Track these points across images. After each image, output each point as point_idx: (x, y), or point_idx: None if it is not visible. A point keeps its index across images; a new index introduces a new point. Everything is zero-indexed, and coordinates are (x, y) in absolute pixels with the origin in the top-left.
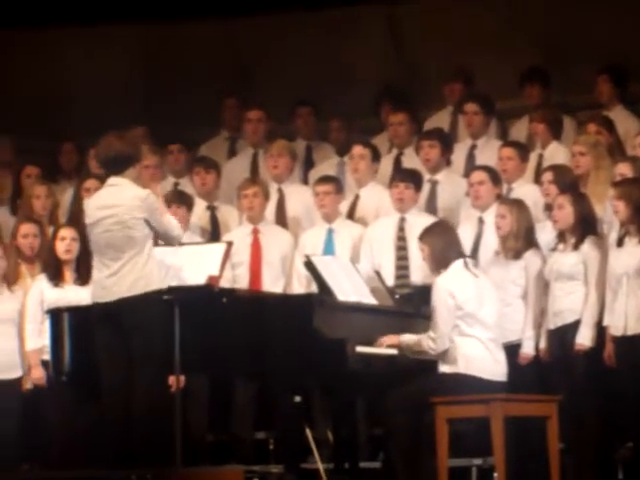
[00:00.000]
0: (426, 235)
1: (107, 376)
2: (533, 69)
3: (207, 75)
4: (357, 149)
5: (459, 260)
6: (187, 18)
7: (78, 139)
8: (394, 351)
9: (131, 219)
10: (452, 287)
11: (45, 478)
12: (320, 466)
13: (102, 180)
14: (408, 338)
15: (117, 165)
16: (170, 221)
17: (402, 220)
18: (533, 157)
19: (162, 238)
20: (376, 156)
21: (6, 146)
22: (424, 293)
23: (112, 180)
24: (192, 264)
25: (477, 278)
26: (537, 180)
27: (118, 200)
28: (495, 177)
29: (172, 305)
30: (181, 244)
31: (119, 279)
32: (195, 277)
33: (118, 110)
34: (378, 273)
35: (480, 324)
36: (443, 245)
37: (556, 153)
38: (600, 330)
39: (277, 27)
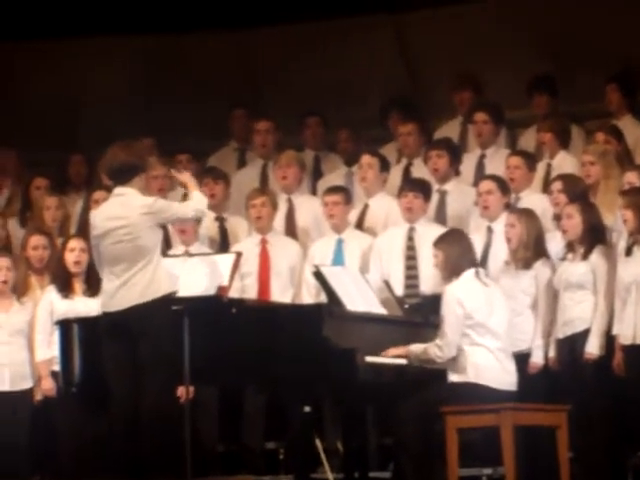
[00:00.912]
0: (441, 242)
1: (115, 385)
2: (541, 78)
3: (215, 86)
4: (365, 158)
5: (471, 269)
6: (195, 29)
7: (87, 151)
8: (403, 361)
9: (141, 229)
10: (462, 296)
11: None
12: (330, 476)
13: (111, 191)
14: (415, 347)
15: (122, 175)
16: (179, 209)
17: (411, 230)
18: (541, 167)
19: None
20: (384, 166)
21: (13, 159)
22: (433, 303)
23: (118, 190)
24: (201, 274)
25: (487, 287)
26: (545, 190)
27: (127, 211)
28: (504, 186)
29: (182, 315)
30: (190, 255)
31: (129, 288)
32: (204, 287)
33: (126, 121)
34: (387, 283)
35: (490, 334)
36: (458, 253)
37: (564, 162)
38: (609, 339)
39: (285, 38)
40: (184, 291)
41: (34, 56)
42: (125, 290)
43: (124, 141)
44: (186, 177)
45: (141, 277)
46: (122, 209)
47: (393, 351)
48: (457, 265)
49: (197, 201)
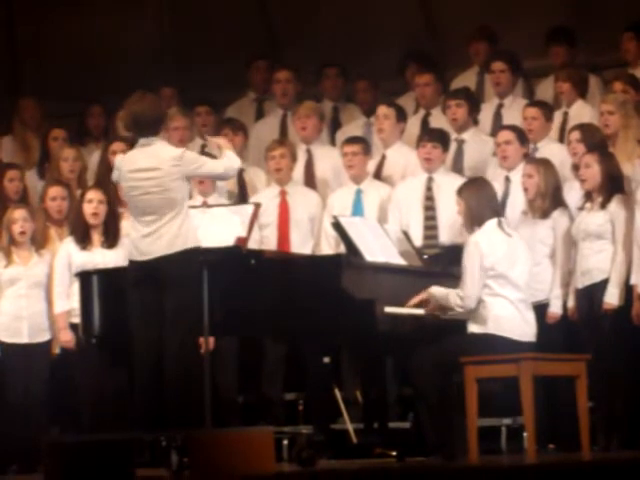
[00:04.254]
0: (464, 190)
1: (139, 334)
2: (559, 28)
3: (234, 37)
4: (381, 109)
5: (493, 219)
6: None
7: (106, 102)
8: (422, 311)
9: (171, 181)
10: (484, 247)
11: (75, 442)
12: (349, 426)
13: (129, 143)
14: (437, 290)
15: (146, 127)
16: (209, 163)
17: (430, 180)
18: (558, 115)
19: (219, 180)
20: (401, 116)
21: (33, 109)
22: (452, 253)
23: (144, 140)
24: (220, 225)
25: (510, 238)
26: (561, 138)
27: (156, 162)
28: (522, 137)
29: (201, 266)
30: (209, 206)
31: (156, 239)
32: (223, 238)
33: (147, 72)
34: (406, 233)
35: (511, 285)
36: (479, 202)
37: (581, 111)
38: (628, 289)
39: None
40: (203, 242)
41: (57, 8)
42: (153, 240)
43: (140, 93)
44: (220, 140)
45: (169, 228)
46: (151, 160)
47: (414, 299)
48: (479, 214)
49: (230, 159)
